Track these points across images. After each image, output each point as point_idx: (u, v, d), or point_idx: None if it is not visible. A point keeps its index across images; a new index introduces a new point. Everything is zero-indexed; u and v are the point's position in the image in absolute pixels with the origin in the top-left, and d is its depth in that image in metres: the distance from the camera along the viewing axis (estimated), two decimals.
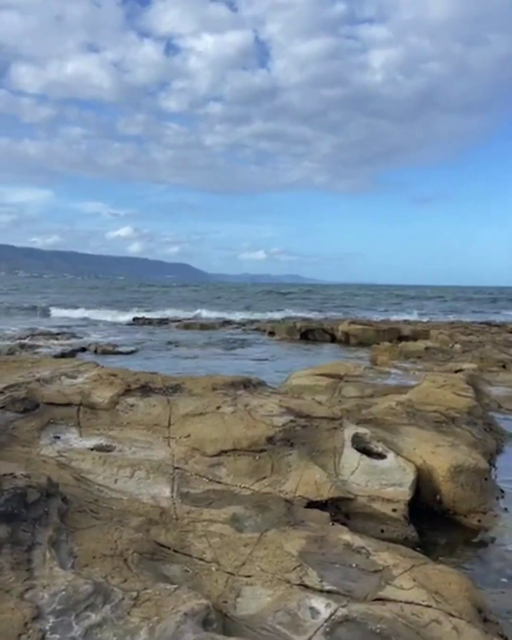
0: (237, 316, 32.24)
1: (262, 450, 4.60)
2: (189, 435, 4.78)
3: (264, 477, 4.47)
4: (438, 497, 4.75)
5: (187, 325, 24.99)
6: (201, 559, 3.12)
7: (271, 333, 21.76)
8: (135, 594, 2.38)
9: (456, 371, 9.97)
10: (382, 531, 4.28)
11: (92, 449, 4.58)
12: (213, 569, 3.03)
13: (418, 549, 3.92)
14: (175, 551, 3.17)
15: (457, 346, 14.81)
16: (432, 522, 4.70)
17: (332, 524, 3.83)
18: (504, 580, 3.81)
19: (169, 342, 19.16)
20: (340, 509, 4.36)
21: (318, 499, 4.30)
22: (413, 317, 32.82)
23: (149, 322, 27.65)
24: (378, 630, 2.48)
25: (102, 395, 5.28)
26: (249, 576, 2.97)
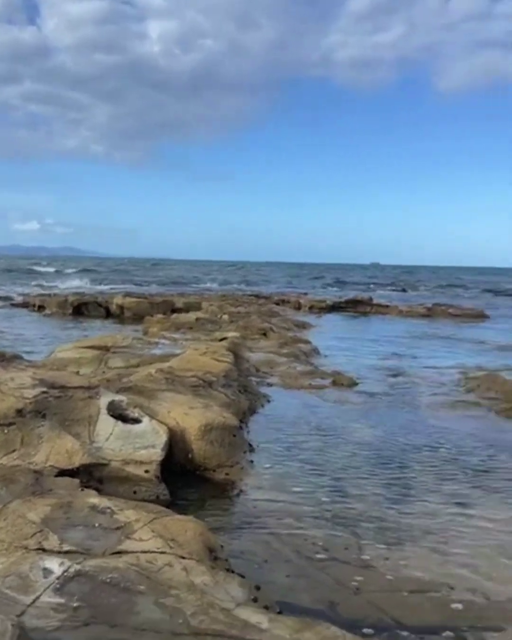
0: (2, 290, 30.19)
1: (11, 424, 4.46)
2: None
3: (14, 451, 4.35)
4: (190, 455, 5.02)
5: None
6: None
7: (41, 307, 20.76)
8: None
9: (221, 340, 10.48)
10: (135, 492, 4.42)
11: None
12: None
13: (171, 506, 4.11)
14: None
15: (226, 317, 15.56)
16: (185, 480, 4.96)
17: (82, 490, 3.86)
18: (243, 525, 4.17)
19: None
20: (93, 475, 4.41)
21: (70, 467, 4.30)
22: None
23: None
24: (109, 580, 2.59)
25: None
26: None
